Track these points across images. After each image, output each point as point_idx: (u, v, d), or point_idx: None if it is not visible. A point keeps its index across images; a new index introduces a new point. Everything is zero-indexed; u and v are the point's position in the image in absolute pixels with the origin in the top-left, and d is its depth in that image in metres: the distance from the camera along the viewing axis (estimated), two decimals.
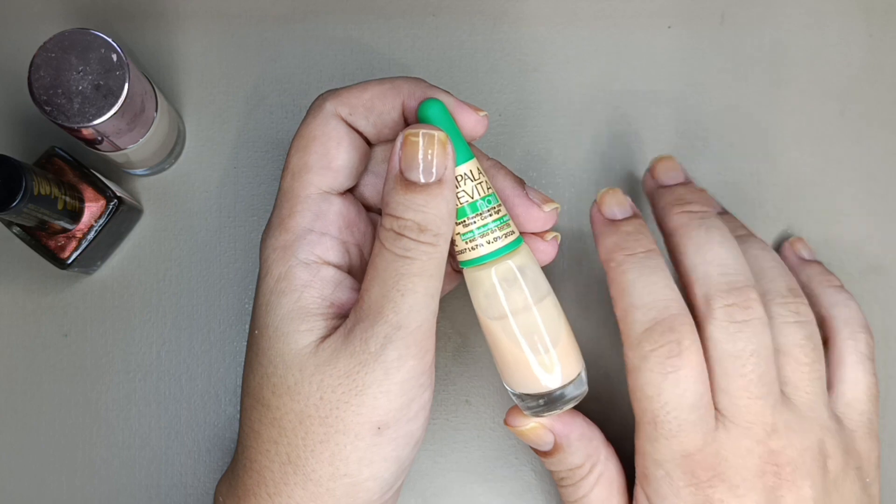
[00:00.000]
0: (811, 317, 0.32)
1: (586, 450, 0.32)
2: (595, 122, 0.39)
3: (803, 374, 0.31)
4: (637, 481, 0.31)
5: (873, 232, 0.39)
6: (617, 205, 0.33)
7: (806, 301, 0.32)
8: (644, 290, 0.30)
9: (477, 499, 0.36)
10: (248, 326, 0.37)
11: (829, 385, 0.33)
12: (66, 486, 0.36)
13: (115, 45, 0.31)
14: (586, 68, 0.39)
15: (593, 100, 0.39)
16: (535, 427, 0.32)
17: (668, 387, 0.29)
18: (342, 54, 0.39)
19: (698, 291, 0.31)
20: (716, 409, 0.30)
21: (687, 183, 0.35)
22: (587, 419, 0.33)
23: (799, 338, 0.31)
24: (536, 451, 0.33)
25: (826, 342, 0.34)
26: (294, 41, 0.39)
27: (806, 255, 0.37)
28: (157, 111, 0.34)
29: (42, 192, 0.31)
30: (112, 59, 0.31)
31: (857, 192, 0.39)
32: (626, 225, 0.32)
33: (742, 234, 0.34)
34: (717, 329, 0.30)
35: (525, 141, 0.39)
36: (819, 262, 0.37)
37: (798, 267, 0.37)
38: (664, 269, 0.31)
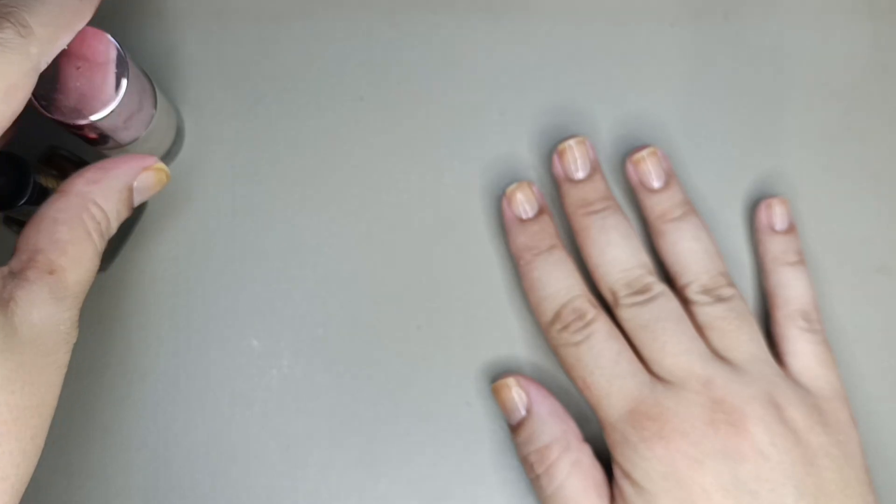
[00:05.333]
0: (733, 292, 0.34)
1: (557, 427, 0.33)
2: (596, 121, 0.39)
3: (731, 338, 0.33)
4: (612, 460, 0.32)
5: (877, 232, 0.39)
6: (527, 202, 0.36)
7: (728, 281, 0.35)
8: (549, 283, 0.34)
9: (478, 502, 0.36)
10: (245, 328, 0.37)
11: (780, 362, 0.34)
12: (63, 487, 0.36)
13: (113, 41, 0.31)
14: (587, 66, 0.39)
15: (594, 98, 0.39)
16: (513, 386, 0.34)
17: (584, 351, 0.33)
18: (341, 52, 0.39)
19: (604, 287, 0.35)
20: (655, 377, 0.33)
21: (591, 177, 0.36)
22: (562, 406, 0.34)
23: (719, 312, 0.34)
24: (510, 429, 0.35)
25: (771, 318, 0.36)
26: (293, 38, 0.39)
27: (778, 224, 0.37)
28: (155, 108, 0.34)
29: (48, 186, 0.31)
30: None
31: (861, 192, 0.39)
32: (533, 224, 0.36)
33: (677, 217, 0.36)
34: (625, 311, 0.34)
35: (526, 140, 0.39)
36: (788, 233, 0.37)
37: (762, 236, 0.37)
38: (566, 260, 0.35)
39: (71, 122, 0.30)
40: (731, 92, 0.39)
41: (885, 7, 0.40)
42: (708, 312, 0.34)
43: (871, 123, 0.39)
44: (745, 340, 0.33)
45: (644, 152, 0.36)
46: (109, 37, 0.31)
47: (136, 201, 0.30)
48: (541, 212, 0.36)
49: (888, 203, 0.39)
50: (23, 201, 0.29)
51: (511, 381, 0.35)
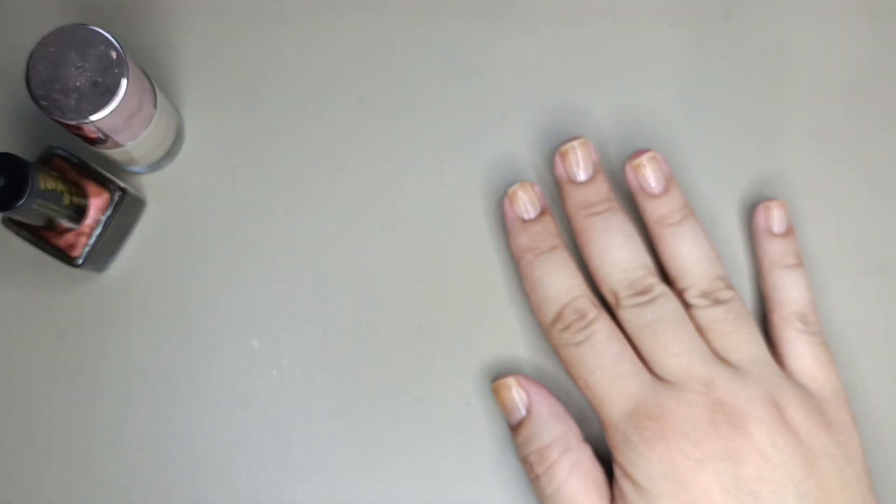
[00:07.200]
0: (732, 294, 0.35)
1: (557, 427, 0.33)
2: (597, 122, 0.39)
3: (731, 339, 0.34)
4: (612, 460, 0.32)
5: (877, 233, 0.39)
6: (529, 202, 0.36)
7: (727, 284, 0.35)
8: (550, 283, 0.34)
9: (478, 502, 0.36)
10: (245, 328, 0.37)
11: (780, 363, 0.34)
12: (63, 488, 0.36)
13: (114, 42, 0.31)
14: (588, 66, 0.39)
15: (595, 98, 0.39)
16: (513, 386, 0.34)
17: (585, 351, 0.33)
18: (341, 52, 0.39)
19: (605, 288, 0.35)
20: (656, 377, 0.33)
21: (593, 179, 0.36)
22: (563, 406, 0.34)
23: (718, 314, 0.34)
24: (510, 429, 0.35)
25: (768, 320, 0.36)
26: (292, 39, 0.39)
27: (776, 227, 0.37)
28: (155, 108, 0.34)
29: (48, 186, 0.30)
30: (111, 56, 0.31)
31: (860, 193, 0.39)
32: (535, 225, 0.36)
33: (676, 222, 0.35)
34: (627, 312, 0.34)
35: (527, 140, 0.39)
36: (786, 236, 0.37)
37: (760, 238, 0.37)
38: (568, 260, 0.35)
39: (71, 122, 0.30)
40: (731, 92, 0.39)
41: (885, 7, 0.40)
42: (707, 315, 0.34)
43: (871, 123, 0.39)
44: (744, 342, 0.34)
45: (644, 157, 0.36)
46: (109, 37, 0.31)
47: None
48: (543, 212, 0.36)
49: (888, 203, 0.39)
50: (22, 202, 0.29)
51: (511, 381, 0.35)
